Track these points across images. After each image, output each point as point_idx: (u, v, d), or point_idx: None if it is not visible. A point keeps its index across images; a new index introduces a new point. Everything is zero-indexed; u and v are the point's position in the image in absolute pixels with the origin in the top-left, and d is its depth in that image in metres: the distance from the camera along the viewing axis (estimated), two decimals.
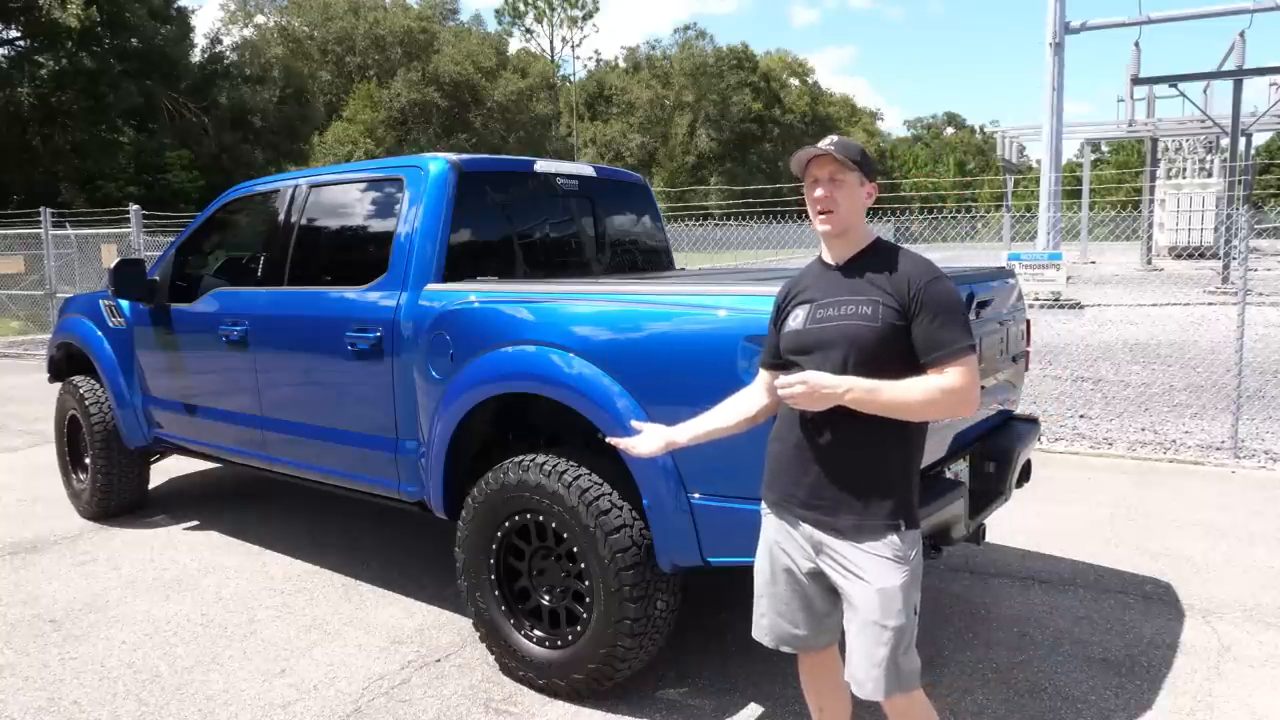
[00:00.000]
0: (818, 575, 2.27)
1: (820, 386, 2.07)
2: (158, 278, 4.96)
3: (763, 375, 2.41)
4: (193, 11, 38.66)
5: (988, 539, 3.72)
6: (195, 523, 5.41)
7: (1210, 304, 13.14)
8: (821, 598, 2.31)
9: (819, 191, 2.21)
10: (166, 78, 32.34)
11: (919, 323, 2.12)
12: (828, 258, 2.29)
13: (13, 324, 16.00)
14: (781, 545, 2.31)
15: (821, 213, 2.22)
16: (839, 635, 2.34)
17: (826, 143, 2.22)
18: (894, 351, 2.13)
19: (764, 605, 2.38)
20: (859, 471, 2.17)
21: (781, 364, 2.30)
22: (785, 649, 2.39)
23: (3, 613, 4.11)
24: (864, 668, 2.16)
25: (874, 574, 2.14)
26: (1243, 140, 22.29)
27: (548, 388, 3.16)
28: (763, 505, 2.37)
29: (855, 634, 2.17)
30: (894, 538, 2.17)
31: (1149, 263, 25.58)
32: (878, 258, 2.23)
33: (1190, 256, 24.74)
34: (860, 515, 2.16)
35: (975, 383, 2.13)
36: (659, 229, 5.15)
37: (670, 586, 3.08)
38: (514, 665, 3.31)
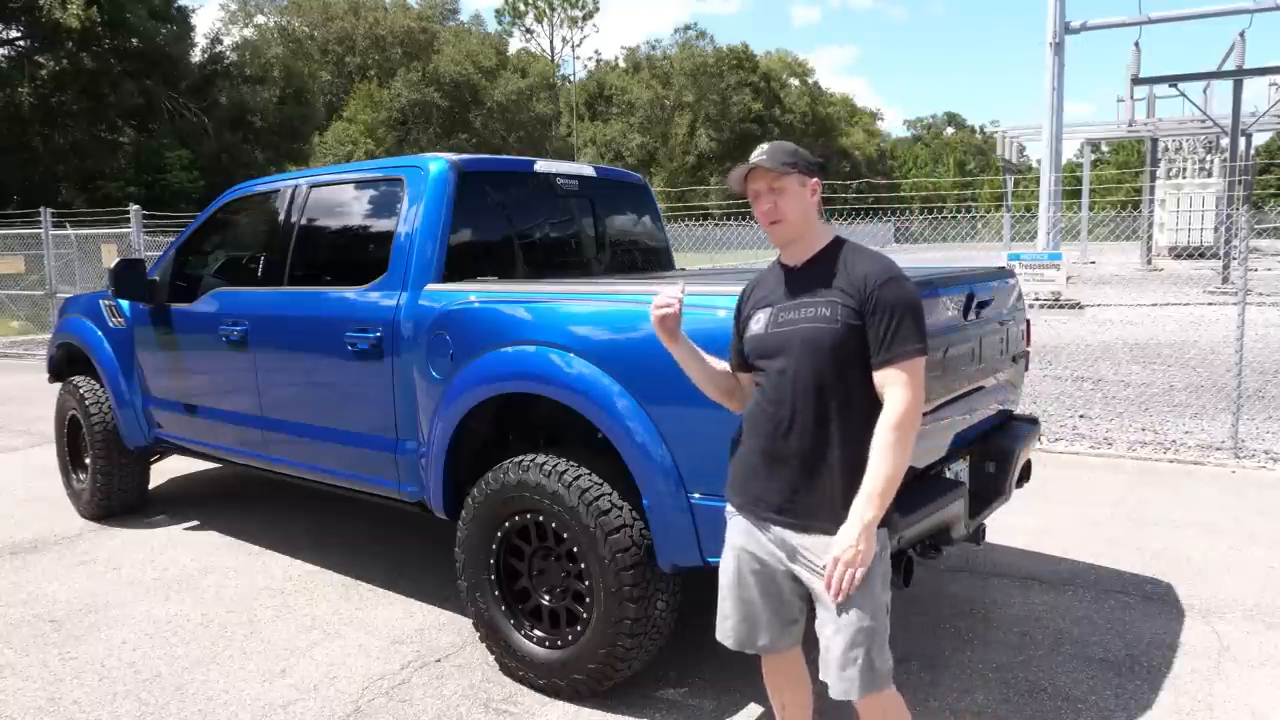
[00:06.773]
0: (790, 578, 2.25)
1: (857, 556, 2.03)
2: (158, 278, 4.96)
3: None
4: (193, 11, 38.50)
5: (988, 539, 3.73)
6: (195, 523, 5.41)
7: (1210, 304, 13.14)
8: (791, 602, 2.29)
9: (763, 204, 2.22)
10: (166, 78, 32.28)
11: (872, 323, 2.11)
12: (787, 260, 2.29)
13: (13, 324, 16.00)
14: (750, 549, 2.28)
15: (771, 223, 2.22)
16: (802, 638, 2.35)
17: (757, 155, 2.21)
18: (853, 352, 2.12)
19: (728, 607, 2.34)
20: (832, 474, 2.14)
21: (749, 366, 2.31)
22: (749, 651, 2.36)
23: (3, 613, 4.11)
24: (837, 669, 2.13)
25: None
26: (1243, 140, 22.27)
27: (547, 388, 3.16)
28: (728, 508, 2.35)
29: (830, 635, 2.14)
30: None
31: (1149, 263, 25.55)
32: (836, 257, 2.22)
33: (1190, 256, 24.69)
34: (833, 519, 2.11)
35: (920, 390, 2.10)
36: (659, 229, 5.15)
37: (670, 586, 3.08)
38: (514, 665, 3.31)
